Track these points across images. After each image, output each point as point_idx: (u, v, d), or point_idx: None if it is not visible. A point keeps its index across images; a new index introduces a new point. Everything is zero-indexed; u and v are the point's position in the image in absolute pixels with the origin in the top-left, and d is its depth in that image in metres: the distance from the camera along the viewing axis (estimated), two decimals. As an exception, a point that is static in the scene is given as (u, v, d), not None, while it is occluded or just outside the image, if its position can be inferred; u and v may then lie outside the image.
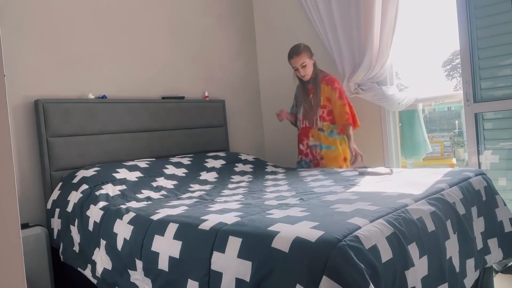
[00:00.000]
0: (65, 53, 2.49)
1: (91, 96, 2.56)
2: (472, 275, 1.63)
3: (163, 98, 2.98)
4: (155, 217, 1.60)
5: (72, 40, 2.53)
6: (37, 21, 2.38)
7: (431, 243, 1.38)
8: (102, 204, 1.95)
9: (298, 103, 2.93)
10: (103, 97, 2.61)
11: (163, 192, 2.19)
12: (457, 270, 1.51)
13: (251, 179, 2.54)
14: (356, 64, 2.97)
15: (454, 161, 3.81)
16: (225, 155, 2.96)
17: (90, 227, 1.89)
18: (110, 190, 2.10)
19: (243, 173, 2.72)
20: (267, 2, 3.72)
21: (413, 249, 1.29)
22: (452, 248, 1.53)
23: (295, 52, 2.68)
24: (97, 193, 2.05)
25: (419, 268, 1.29)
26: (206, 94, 3.30)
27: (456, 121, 3.97)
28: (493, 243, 1.86)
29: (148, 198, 2.06)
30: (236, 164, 2.84)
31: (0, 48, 0.69)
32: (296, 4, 3.42)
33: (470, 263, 1.63)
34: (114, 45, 2.75)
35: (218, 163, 2.77)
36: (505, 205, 2.00)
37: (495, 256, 1.84)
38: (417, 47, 3.18)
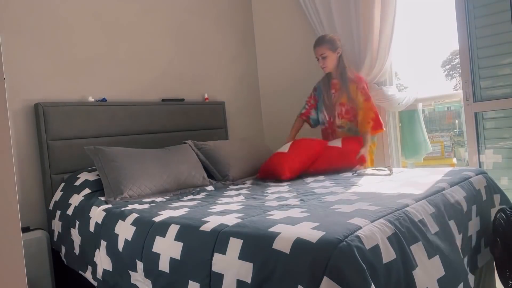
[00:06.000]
0: (65, 57, 2.50)
1: (91, 99, 2.56)
2: (469, 275, 1.63)
3: (163, 100, 2.98)
4: (157, 219, 1.60)
5: (72, 43, 2.53)
6: (37, 25, 2.38)
7: (438, 243, 1.38)
8: (104, 205, 1.95)
9: (319, 98, 2.87)
10: (103, 100, 2.62)
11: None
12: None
13: (252, 180, 2.54)
14: (356, 65, 2.97)
15: (454, 160, 3.80)
16: (225, 156, 2.95)
17: (91, 228, 1.89)
18: (111, 192, 2.10)
19: (243, 174, 2.72)
20: (266, 4, 3.73)
21: (418, 249, 1.28)
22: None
23: (317, 42, 2.70)
24: (100, 197, 2.06)
25: (432, 269, 1.29)
26: (206, 96, 3.30)
27: (456, 121, 3.97)
28: (482, 242, 1.86)
29: (152, 201, 2.05)
30: (237, 166, 2.83)
31: (0, 51, 0.70)
32: (295, 6, 3.43)
33: (465, 260, 1.64)
34: (114, 48, 2.75)
35: (218, 165, 2.77)
36: (500, 204, 2.00)
37: (483, 256, 1.84)
38: (416, 47, 3.18)
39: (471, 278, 1.60)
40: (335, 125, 2.77)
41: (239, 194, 2.03)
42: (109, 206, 1.94)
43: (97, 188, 2.15)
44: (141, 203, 1.98)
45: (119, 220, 1.74)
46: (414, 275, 1.20)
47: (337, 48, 2.68)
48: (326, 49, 2.66)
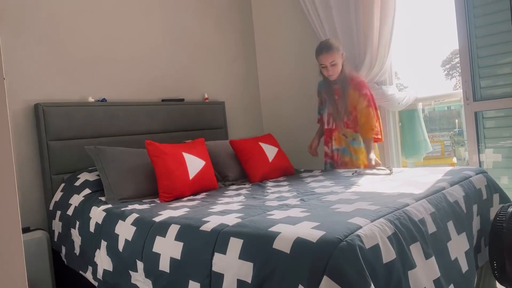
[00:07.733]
0: (65, 57, 2.50)
1: (91, 99, 2.56)
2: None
3: (163, 100, 2.98)
4: (157, 219, 1.60)
5: (72, 43, 2.53)
6: (37, 25, 2.38)
7: (434, 243, 1.38)
8: (104, 205, 1.95)
9: (323, 102, 2.73)
10: (103, 100, 2.62)
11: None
12: (464, 270, 1.50)
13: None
14: (356, 65, 2.97)
15: (454, 160, 3.80)
16: (225, 156, 2.95)
17: (92, 228, 1.89)
18: (111, 192, 2.10)
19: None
20: (266, 4, 3.73)
21: (416, 249, 1.28)
22: (457, 248, 1.52)
23: (325, 48, 2.41)
24: (100, 198, 2.06)
25: (428, 269, 1.28)
26: (206, 96, 3.30)
27: (456, 121, 3.97)
28: (482, 241, 1.86)
29: (152, 201, 2.06)
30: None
31: (0, 51, 0.70)
32: (295, 6, 3.42)
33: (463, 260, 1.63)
34: (114, 48, 2.75)
35: (218, 165, 2.76)
36: (499, 203, 2.00)
37: (483, 256, 1.84)
38: (416, 47, 3.18)
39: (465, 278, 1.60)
40: (340, 132, 2.64)
41: (239, 194, 2.03)
42: (109, 206, 1.94)
43: (97, 188, 2.15)
44: (141, 203, 1.98)
45: (119, 220, 1.74)
46: (410, 275, 1.20)
47: (343, 53, 2.47)
48: (336, 55, 2.38)
